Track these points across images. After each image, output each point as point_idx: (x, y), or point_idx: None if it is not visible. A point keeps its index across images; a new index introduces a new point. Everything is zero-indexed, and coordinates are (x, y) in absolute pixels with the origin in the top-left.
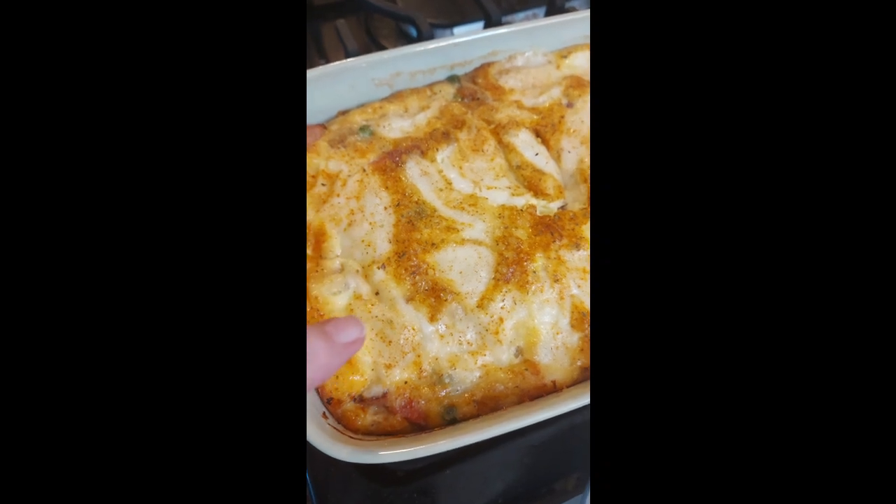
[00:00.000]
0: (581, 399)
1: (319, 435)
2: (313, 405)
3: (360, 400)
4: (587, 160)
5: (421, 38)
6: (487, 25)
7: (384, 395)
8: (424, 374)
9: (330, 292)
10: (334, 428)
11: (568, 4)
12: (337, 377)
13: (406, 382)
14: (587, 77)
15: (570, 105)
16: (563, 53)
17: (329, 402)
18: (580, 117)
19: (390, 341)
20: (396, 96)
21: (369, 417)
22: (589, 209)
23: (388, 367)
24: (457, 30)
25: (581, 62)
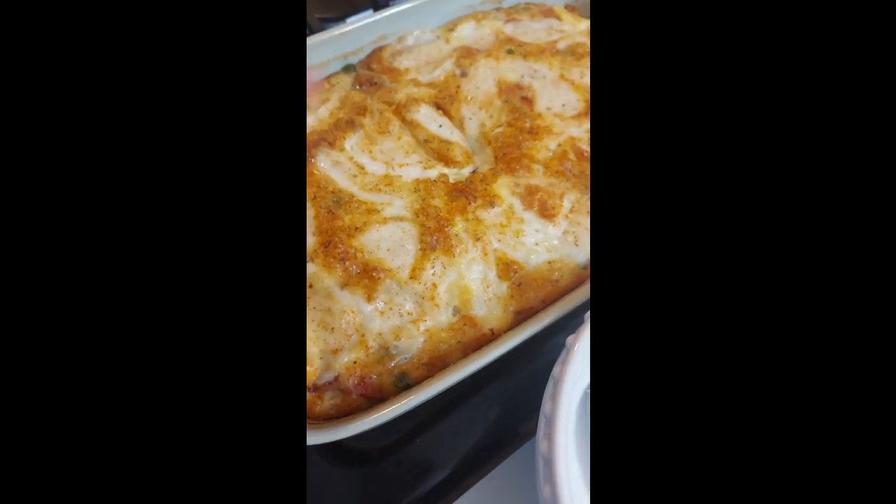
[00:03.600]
0: (516, 339)
1: None
2: None
3: (315, 388)
4: (488, 123)
5: (311, 33)
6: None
7: (336, 379)
8: (371, 350)
9: None
10: None
11: None
12: None
13: (355, 362)
14: (475, 46)
15: (463, 74)
16: (450, 27)
17: None
18: (475, 84)
19: (332, 328)
20: None
21: (327, 402)
22: (498, 168)
23: (335, 352)
24: (348, 21)
25: (468, 32)
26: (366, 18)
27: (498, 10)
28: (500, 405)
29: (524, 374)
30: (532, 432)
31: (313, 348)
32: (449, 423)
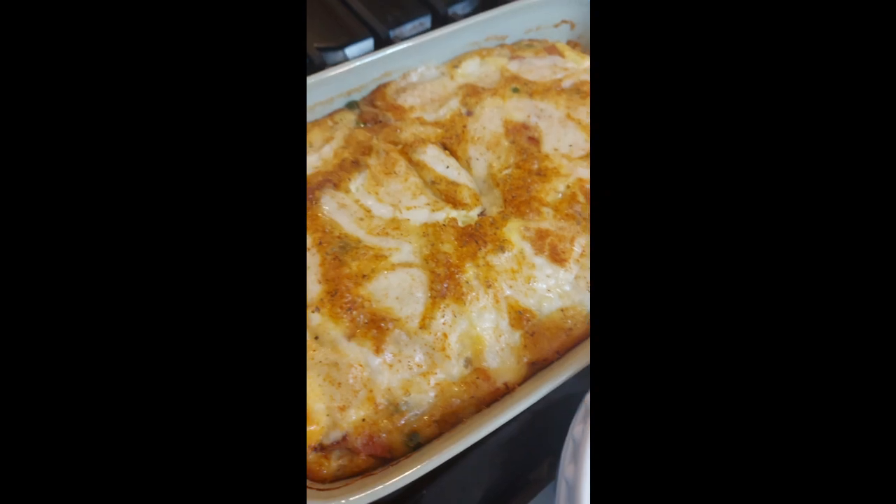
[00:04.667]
0: (534, 396)
1: None
2: None
3: (321, 448)
4: (496, 164)
5: (312, 64)
6: (377, 42)
7: (344, 438)
8: (380, 407)
9: None
10: None
11: (450, 11)
12: None
13: (363, 420)
14: (480, 84)
15: (469, 113)
16: (455, 63)
17: None
18: (481, 124)
19: (339, 383)
20: None
21: (334, 463)
22: (507, 211)
23: (343, 409)
24: (348, 50)
25: (473, 69)
26: (369, 55)
27: (502, 46)
28: (508, 452)
29: (529, 417)
30: (542, 479)
31: (319, 405)
32: (457, 473)
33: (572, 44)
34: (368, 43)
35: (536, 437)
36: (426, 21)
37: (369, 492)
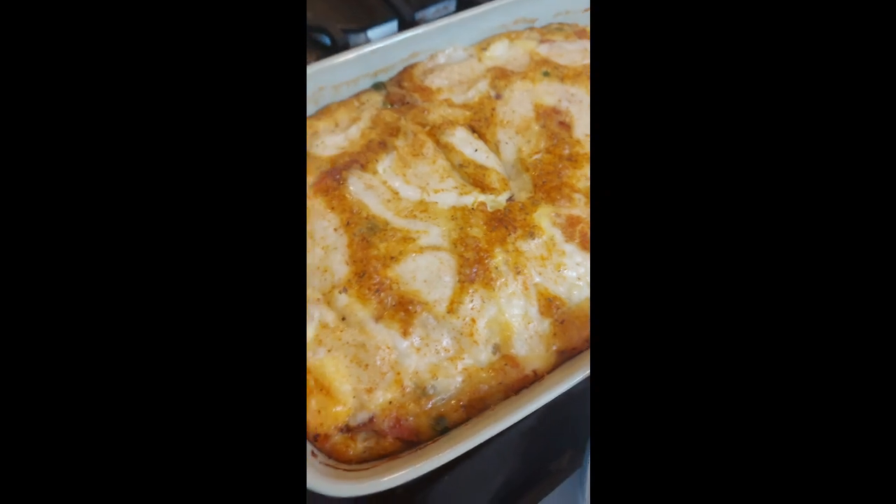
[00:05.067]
0: (564, 384)
1: (316, 477)
2: None
3: (348, 429)
4: (525, 148)
5: (335, 45)
6: (402, 24)
7: (371, 420)
8: (407, 390)
9: None
10: (326, 465)
11: None
12: (319, 412)
13: (390, 402)
14: (509, 67)
15: (498, 97)
16: (483, 46)
17: (316, 439)
18: (511, 107)
19: (366, 364)
20: (324, 112)
21: (360, 444)
22: (537, 196)
23: (370, 390)
24: (370, 32)
25: (501, 52)
26: (395, 35)
27: (531, 29)
28: (529, 441)
29: (550, 407)
30: (563, 470)
31: (346, 386)
32: (477, 461)
33: None
34: (392, 25)
35: (557, 428)
36: (451, 5)
37: (396, 475)
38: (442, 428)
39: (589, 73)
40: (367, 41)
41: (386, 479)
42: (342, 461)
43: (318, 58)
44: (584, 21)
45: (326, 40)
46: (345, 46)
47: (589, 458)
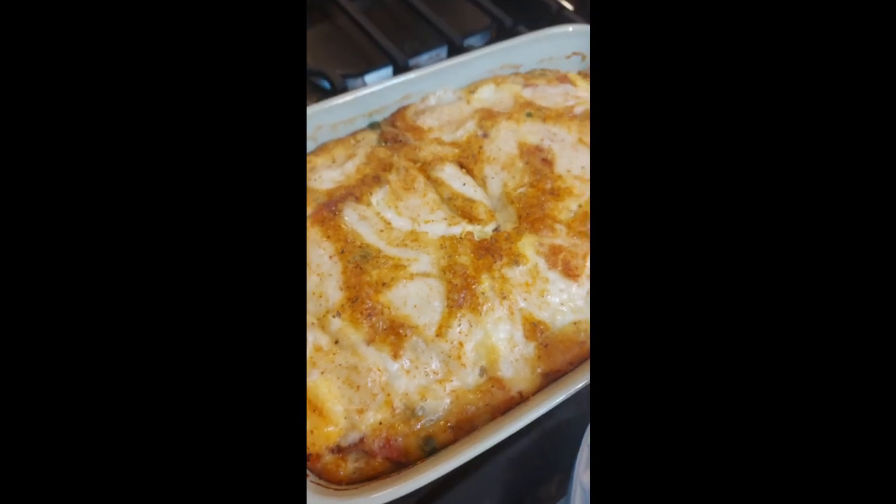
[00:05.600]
0: (548, 404)
1: (308, 497)
2: None
3: (339, 450)
4: (510, 183)
5: (335, 89)
6: (396, 69)
7: (361, 440)
8: (397, 411)
9: None
10: (318, 484)
11: (466, 42)
12: (311, 432)
13: (381, 423)
14: (495, 108)
15: (485, 135)
16: (471, 89)
17: (308, 459)
18: (497, 145)
19: (358, 386)
20: (322, 149)
21: (350, 465)
22: (521, 227)
23: (361, 411)
24: (367, 77)
25: (487, 95)
26: (389, 79)
27: (516, 74)
28: (518, 467)
29: (539, 434)
30: (552, 496)
31: (338, 406)
32: (467, 487)
33: (583, 74)
34: (387, 70)
35: (546, 454)
36: (442, 52)
37: (384, 492)
38: (430, 449)
39: (569, 115)
40: (364, 85)
41: (376, 495)
42: (332, 482)
43: (318, 100)
44: (565, 67)
45: (326, 84)
46: (343, 90)
47: (573, 484)
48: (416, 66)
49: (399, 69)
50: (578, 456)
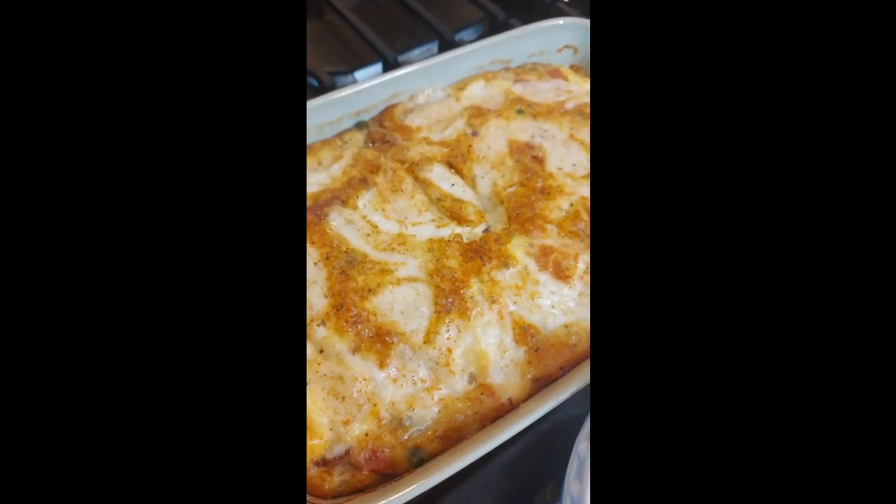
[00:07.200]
0: (538, 411)
1: None
2: None
3: (324, 463)
4: (500, 182)
5: (323, 87)
6: (386, 66)
7: (347, 453)
8: (384, 421)
9: None
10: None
11: (457, 37)
12: None
13: (367, 434)
14: (485, 105)
15: (475, 134)
16: (460, 86)
17: None
18: (486, 144)
19: (344, 397)
20: (308, 151)
21: (336, 478)
22: (511, 228)
23: (346, 423)
24: (357, 74)
25: (477, 92)
26: (378, 77)
27: (506, 70)
28: (512, 473)
29: (533, 439)
30: (546, 502)
31: (323, 418)
32: (459, 495)
33: (575, 68)
34: (377, 67)
35: (540, 460)
36: (433, 47)
37: None
38: (418, 459)
39: (560, 110)
40: (354, 82)
41: None
42: (318, 496)
43: (307, 98)
44: (557, 60)
45: (314, 82)
46: (331, 87)
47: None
48: (407, 62)
49: (389, 66)
50: (568, 467)
